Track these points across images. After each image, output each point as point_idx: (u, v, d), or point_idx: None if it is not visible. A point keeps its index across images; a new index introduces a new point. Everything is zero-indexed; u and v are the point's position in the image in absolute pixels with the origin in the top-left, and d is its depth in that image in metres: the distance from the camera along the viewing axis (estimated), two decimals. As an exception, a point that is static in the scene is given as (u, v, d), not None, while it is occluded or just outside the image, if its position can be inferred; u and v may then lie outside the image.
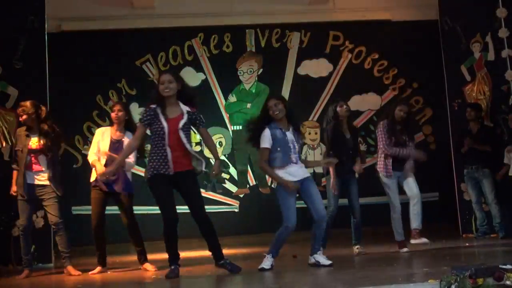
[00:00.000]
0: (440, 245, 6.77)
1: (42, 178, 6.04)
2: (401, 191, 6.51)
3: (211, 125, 9.97)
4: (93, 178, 6.08)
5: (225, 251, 5.57)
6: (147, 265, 6.03)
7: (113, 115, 6.19)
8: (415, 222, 6.38)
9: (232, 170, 9.93)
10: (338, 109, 6.44)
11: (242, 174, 9.94)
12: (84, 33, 9.71)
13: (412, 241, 6.34)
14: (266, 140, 5.43)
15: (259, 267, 5.39)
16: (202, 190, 9.84)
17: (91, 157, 6.09)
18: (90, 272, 6.00)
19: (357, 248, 6.40)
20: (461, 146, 7.76)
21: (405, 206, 6.46)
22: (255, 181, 9.92)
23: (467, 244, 7.03)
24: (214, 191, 9.84)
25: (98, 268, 6.05)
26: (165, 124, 5.18)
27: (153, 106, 5.25)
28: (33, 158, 6.02)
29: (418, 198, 6.42)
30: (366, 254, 6.30)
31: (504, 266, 3.92)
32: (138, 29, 9.94)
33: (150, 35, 10.01)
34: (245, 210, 9.83)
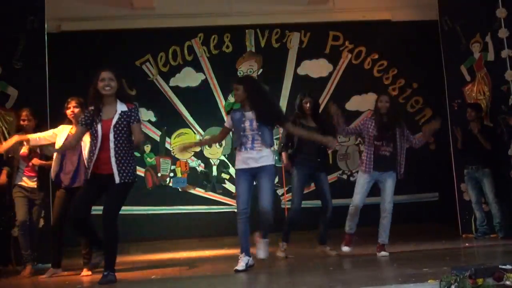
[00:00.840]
0: (440, 245, 6.77)
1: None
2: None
3: (211, 125, 9.99)
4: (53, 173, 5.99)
5: (225, 251, 5.57)
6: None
7: (68, 112, 6.03)
8: (381, 236, 6.24)
9: (232, 170, 9.93)
10: (303, 104, 6.50)
11: (242, 174, 9.94)
12: (84, 33, 9.72)
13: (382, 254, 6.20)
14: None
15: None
16: (201, 190, 9.99)
17: (33, 136, 5.99)
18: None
19: (326, 249, 6.45)
20: (463, 146, 7.76)
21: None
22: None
23: (467, 244, 7.03)
24: (213, 191, 9.85)
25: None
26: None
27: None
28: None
29: (388, 213, 6.22)
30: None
31: (503, 266, 3.93)
32: (138, 29, 9.94)
33: (150, 35, 10.01)
34: (245, 210, 9.81)
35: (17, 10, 7.36)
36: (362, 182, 6.27)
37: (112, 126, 5.05)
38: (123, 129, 5.08)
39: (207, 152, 10.01)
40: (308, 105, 6.49)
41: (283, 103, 9.93)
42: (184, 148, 6.20)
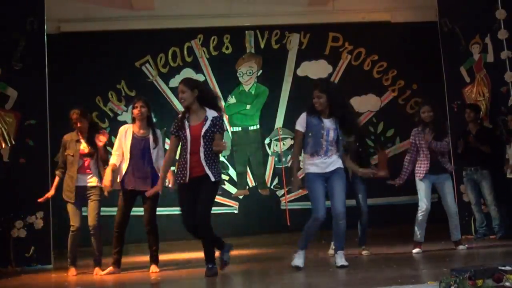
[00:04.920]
0: (439, 247, 6.77)
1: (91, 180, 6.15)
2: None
3: (211, 126, 9.99)
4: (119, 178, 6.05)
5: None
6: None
7: (135, 111, 6.06)
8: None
9: (232, 172, 9.93)
10: None
11: (241, 175, 9.94)
12: (84, 34, 9.71)
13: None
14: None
15: (292, 264, 5.37)
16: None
17: (112, 159, 6.05)
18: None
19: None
20: (464, 146, 7.76)
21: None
22: (254, 183, 9.92)
23: (466, 245, 7.02)
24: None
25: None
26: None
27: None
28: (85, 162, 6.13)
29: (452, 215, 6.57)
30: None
31: (503, 268, 3.92)
32: (138, 30, 9.93)
33: (150, 36, 10.00)
34: (245, 211, 9.81)
35: (16, 11, 7.37)
36: (422, 187, 6.44)
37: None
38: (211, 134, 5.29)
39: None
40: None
41: (282, 105, 9.94)
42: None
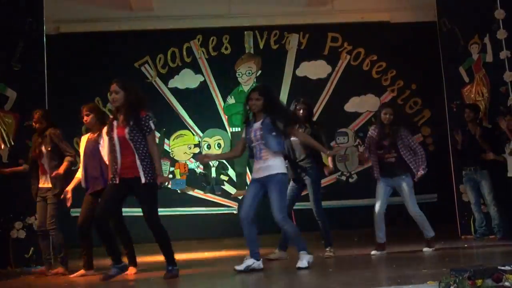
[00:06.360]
0: (439, 247, 6.76)
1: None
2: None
3: (210, 126, 10.00)
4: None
5: (224, 253, 5.57)
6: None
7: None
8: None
9: (231, 172, 9.93)
10: (297, 111, 6.49)
11: (241, 176, 9.94)
12: (83, 35, 9.72)
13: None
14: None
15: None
16: (200, 192, 9.98)
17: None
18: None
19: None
20: (463, 146, 7.76)
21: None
22: (254, 183, 9.91)
23: (465, 245, 7.03)
24: (212, 192, 9.84)
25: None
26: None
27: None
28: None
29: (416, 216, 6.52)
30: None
31: (502, 268, 3.93)
32: (137, 31, 9.94)
33: (149, 37, 10.01)
34: (244, 211, 9.81)
35: (15, 12, 7.36)
36: (378, 189, 6.45)
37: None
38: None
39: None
40: (301, 111, 6.47)
41: (282, 105, 9.94)
42: (205, 158, 6.36)
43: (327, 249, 6.39)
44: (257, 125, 5.51)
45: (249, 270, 5.34)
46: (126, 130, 5.19)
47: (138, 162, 5.18)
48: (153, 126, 5.30)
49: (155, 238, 5.32)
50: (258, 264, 5.43)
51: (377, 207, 6.41)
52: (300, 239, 5.49)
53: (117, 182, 5.22)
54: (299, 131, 6.08)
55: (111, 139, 5.29)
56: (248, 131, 5.60)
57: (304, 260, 5.36)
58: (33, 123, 6.26)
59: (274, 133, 5.44)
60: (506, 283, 3.82)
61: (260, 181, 5.51)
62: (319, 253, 6.59)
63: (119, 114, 5.31)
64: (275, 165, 5.45)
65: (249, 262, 5.39)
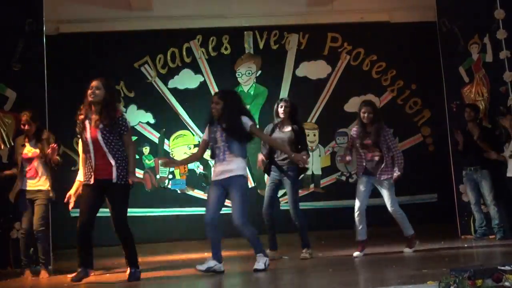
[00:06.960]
0: (439, 247, 6.77)
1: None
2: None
3: (210, 127, 9.99)
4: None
5: (224, 253, 5.56)
6: None
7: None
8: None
9: (231, 172, 9.93)
10: (278, 108, 6.45)
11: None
12: (82, 35, 9.72)
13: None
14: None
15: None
16: (200, 192, 9.97)
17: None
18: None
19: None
20: (463, 146, 7.75)
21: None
22: (254, 183, 9.92)
23: (465, 245, 7.02)
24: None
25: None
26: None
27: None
28: None
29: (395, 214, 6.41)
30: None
31: (502, 268, 3.93)
32: (137, 31, 9.94)
33: (149, 37, 10.01)
34: (244, 212, 9.80)
35: (15, 12, 7.35)
36: (359, 187, 6.37)
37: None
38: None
39: (206, 153, 9.99)
40: (282, 109, 6.43)
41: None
42: (170, 163, 6.39)
43: (304, 250, 6.34)
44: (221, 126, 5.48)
45: (210, 271, 5.33)
46: (99, 132, 5.14)
47: (112, 162, 5.13)
48: (129, 125, 5.30)
49: (121, 239, 5.28)
50: (219, 266, 5.40)
51: (357, 204, 6.30)
52: (258, 241, 5.47)
53: (92, 182, 5.18)
54: (261, 132, 6.08)
55: (84, 140, 5.24)
56: (212, 131, 5.53)
57: (260, 262, 5.37)
58: (21, 126, 6.27)
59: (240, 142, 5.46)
60: (506, 283, 3.82)
61: (220, 183, 5.46)
62: (319, 253, 6.60)
63: (92, 113, 5.23)
64: (238, 167, 5.43)
65: (211, 263, 5.37)
